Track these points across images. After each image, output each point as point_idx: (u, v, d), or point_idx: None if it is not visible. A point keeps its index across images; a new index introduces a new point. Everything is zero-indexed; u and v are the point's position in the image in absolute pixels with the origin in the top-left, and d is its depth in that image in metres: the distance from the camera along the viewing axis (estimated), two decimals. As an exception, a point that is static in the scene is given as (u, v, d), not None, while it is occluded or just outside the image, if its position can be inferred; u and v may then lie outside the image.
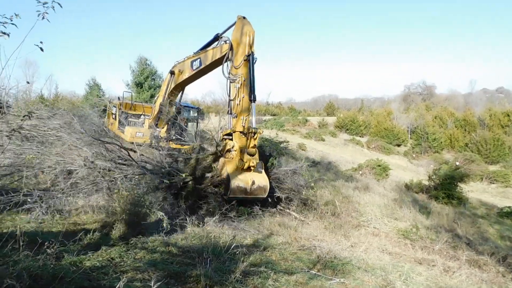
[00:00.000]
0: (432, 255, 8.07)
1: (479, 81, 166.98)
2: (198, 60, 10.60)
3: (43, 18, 3.94)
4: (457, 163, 29.73)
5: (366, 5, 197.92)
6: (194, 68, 10.85)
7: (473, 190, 27.19)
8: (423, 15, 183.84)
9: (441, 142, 51.08)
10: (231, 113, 9.05)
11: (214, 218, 7.18)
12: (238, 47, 8.98)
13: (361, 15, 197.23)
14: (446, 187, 18.62)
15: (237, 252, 5.06)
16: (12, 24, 3.72)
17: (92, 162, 7.43)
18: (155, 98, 13.79)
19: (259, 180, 8.45)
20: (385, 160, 25.81)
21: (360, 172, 21.85)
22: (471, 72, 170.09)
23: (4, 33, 3.69)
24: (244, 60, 8.87)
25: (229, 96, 9.12)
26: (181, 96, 13.13)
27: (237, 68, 8.90)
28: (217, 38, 9.95)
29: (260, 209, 8.93)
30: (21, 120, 4.35)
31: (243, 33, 8.97)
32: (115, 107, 14.91)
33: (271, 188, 9.02)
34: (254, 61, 9.06)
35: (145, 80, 35.24)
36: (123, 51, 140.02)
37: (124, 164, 8.15)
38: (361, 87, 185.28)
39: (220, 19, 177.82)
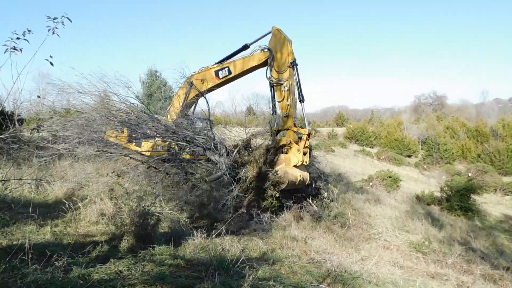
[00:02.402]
0: (445, 269, 7.91)
1: (491, 91, 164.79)
2: (226, 69, 11.20)
3: (53, 33, 4.03)
4: (470, 174, 29.24)
5: (376, 16, 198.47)
6: (220, 77, 11.33)
7: (487, 202, 26.63)
8: (434, 25, 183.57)
9: (452, 153, 50.35)
10: (275, 113, 10.48)
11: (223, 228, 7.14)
12: (279, 54, 10.06)
13: (371, 25, 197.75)
14: (459, 199, 18.33)
15: (246, 266, 5.00)
16: (25, 39, 3.81)
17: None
18: (168, 109, 13.59)
19: (303, 174, 9.68)
20: (396, 171, 25.51)
21: (371, 184, 21.62)
22: (483, 82, 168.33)
23: (16, 49, 3.77)
24: (288, 67, 9.96)
25: (274, 98, 10.43)
26: (195, 107, 13.20)
27: (280, 73, 10.01)
28: (245, 47, 10.89)
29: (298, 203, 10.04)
30: (30, 133, 4.41)
31: (283, 42, 10.06)
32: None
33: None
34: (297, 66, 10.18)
35: (154, 92, 35.67)
36: (133, 63, 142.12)
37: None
38: (371, 98, 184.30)
39: (226, 33, 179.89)
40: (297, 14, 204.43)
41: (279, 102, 10.20)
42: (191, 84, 11.95)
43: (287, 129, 9.95)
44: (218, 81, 11.42)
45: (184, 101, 12.24)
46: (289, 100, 9.89)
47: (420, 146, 54.99)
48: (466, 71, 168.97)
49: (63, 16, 4.01)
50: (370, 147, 52.08)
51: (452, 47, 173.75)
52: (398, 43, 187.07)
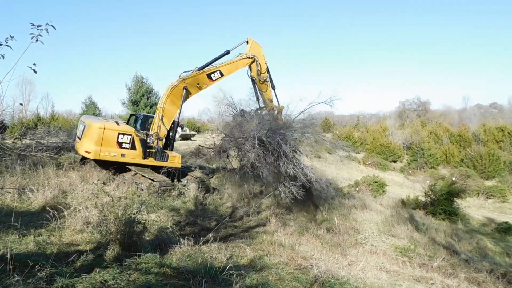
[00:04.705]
0: (431, 272, 8.00)
1: (472, 97, 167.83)
2: (218, 72, 12.83)
3: (36, 40, 3.97)
4: (453, 179, 29.74)
5: (361, 23, 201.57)
6: (214, 79, 12.82)
7: (470, 206, 27.13)
8: (417, 32, 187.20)
9: (436, 158, 51.09)
10: (258, 100, 13.90)
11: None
12: (260, 59, 13.43)
13: (356, 32, 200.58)
14: (443, 203, 18.59)
15: (233, 273, 4.97)
16: (7, 46, 3.75)
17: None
18: (158, 116, 12.38)
19: None
20: (382, 176, 25.79)
21: (357, 189, 21.79)
22: (465, 87, 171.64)
23: (-2, 56, 3.71)
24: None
25: (259, 90, 13.83)
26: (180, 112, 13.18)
27: (264, 73, 13.57)
28: (227, 53, 12.92)
29: None
30: (12, 142, 4.33)
31: (260, 50, 13.51)
32: (129, 135, 11.47)
33: None
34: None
35: (141, 98, 35.37)
36: (119, 69, 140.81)
37: None
38: (357, 104, 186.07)
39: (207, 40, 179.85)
40: (281, 20, 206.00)
41: (264, 92, 13.85)
42: (186, 88, 12.08)
43: (272, 108, 13.77)
44: (211, 83, 12.70)
45: (180, 109, 12.28)
46: (271, 90, 13.96)
47: (405, 152, 55.68)
48: (448, 77, 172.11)
49: (47, 23, 3.97)
50: (356, 153, 52.57)
51: (435, 52, 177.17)
52: (383, 48, 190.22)
